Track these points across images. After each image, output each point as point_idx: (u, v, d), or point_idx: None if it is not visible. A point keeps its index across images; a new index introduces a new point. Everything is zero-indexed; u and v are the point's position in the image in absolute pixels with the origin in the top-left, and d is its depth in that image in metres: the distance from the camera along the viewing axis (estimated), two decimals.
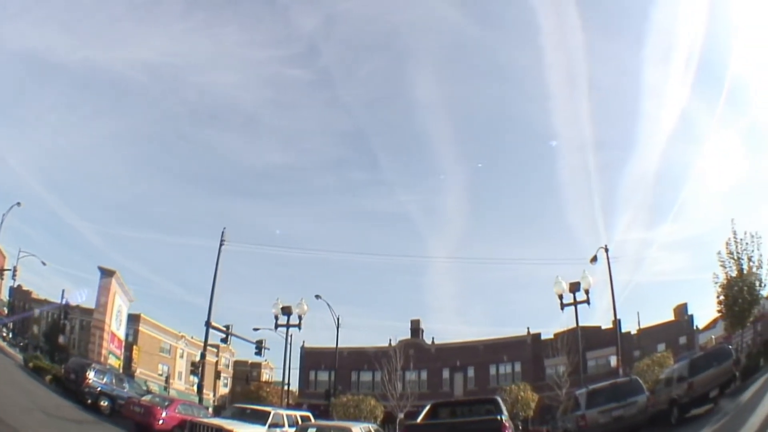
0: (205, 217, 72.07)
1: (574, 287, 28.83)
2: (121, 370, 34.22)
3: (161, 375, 42.00)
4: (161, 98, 66.62)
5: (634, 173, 71.44)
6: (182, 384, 42.88)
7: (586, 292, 29.04)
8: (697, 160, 63.12)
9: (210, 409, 30.95)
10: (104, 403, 23.94)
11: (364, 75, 70.74)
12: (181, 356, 45.33)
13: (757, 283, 28.88)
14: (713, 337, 40.16)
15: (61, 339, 34.79)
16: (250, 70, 69.03)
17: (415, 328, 52.44)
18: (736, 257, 29.72)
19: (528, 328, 50.15)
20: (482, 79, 73.54)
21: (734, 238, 29.97)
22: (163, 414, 22.29)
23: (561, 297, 29.18)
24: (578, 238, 74.03)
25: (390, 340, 49.57)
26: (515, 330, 51.92)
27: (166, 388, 38.62)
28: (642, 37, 74.65)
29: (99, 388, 24.21)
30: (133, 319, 42.26)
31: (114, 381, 25.52)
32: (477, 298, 73.98)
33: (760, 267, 29.04)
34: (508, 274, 79.01)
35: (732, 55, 54.76)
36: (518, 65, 70.92)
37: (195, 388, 38.53)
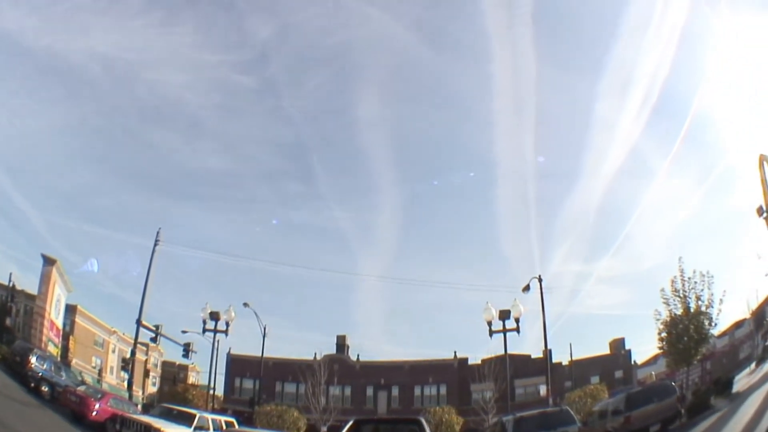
0: (143, 215, 72.49)
1: (504, 315, 29.25)
2: (58, 359, 35.07)
3: (95, 368, 42.92)
4: (113, 92, 67.24)
5: (576, 205, 73.78)
6: (114, 378, 43.81)
7: (516, 320, 29.37)
8: (645, 197, 65.10)
9: (139, 406, 32.15)
10: (45, 389, 25.22)
11: (310, 88, 72.74)
12: (113, 351, 46.25)
13: (707, 322, 29.55)
14: (653, 373, 41.81)
15: (8, 321, 35.35)
16: (200, 72, 70.19)
17: (341, 344, 53.64)
18: (682, 295, 30.10)
19: (455, 352, 51.64)
20: (428, 102, 75.99)
21: (681, 276, 30.57)
22: (97, 406, 23.70)
23: (490, 324, 29.54)
24: (512, 266, 76.60)
25: (315, 354, 50.65)
26: (442, 353, 54.26)
27: (99, 381, 39.66)
28: (599, 70, 77.22)
29: (40, 374, 25.51)
30: (71, 310, 43.04)
31: (53, 368, 26.78)
32: (405, 318, 75.95)
33: (710, 306, 29.66)
34: (438, 297, 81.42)
35: (696, 96, 58.61)
36: (466, 90, 73.27)
37: (125, 384, 39.68)
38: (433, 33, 72.45)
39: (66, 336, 41.27)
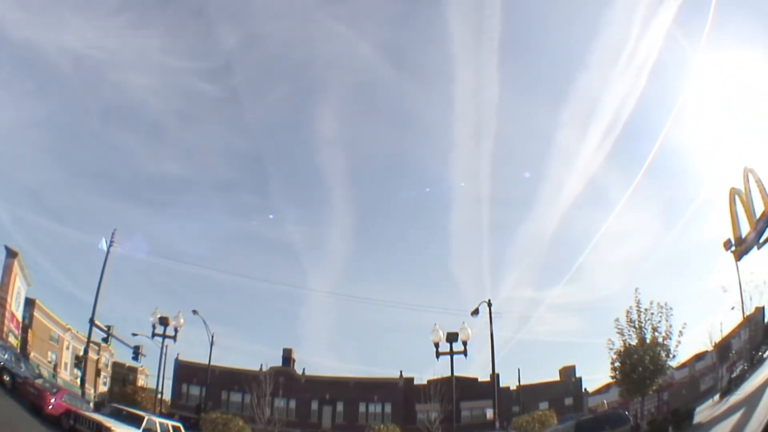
0: (100, 216, 73.12)
1: (452, 337, 29.50)
2: (18, 351, 36.04)
3: (50, 362, 43.74)
4: (80, 90, 67.69)
5: (530, 233, 74.42)
6: (68, 375, 44.58)
7: (464, 343, 29.56)
8: (602, 227, 65.80)
9: (91, 404, 33.38)
10: (6, 378, 26.05)
11: (272, 100, 74.07)
12: (68, 348, 46.92)
13: (664, 354, 30.23)
14: (605, 401, 41.95)
15: None
16: (165, 77, 71.07)
17: (287, 357, 54.28)
18: (637, 326, 30.84)
19: (401, 372, 52.56)
20: (387, 121, 77.39)
21: (637, 307, 31.31)
22: (53, 400, 25.08)
23: (437, 345, 29.71)
24: (462, 290, 77.56)
25: (261, 365, 51.28)
26: (388, 372, 54.39)
27: (54, 376, 40.54)
28: (562, 99, 77.68)
29: (2, 363, 26.50)
30: (30, 304, 43.93)
31: (14, 359, 27.94)
32: (352, 335, 76.95)
33: (668, 338, 30.43)
34: (386, 316, 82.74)
35: (663, 129, 55.79)
36: (426, 112, 74.51)
37: (78, 381, 40.78)
38: (399, 53, 73.45)
39: (25, 329, 42.07)
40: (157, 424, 26.32)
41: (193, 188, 76.97)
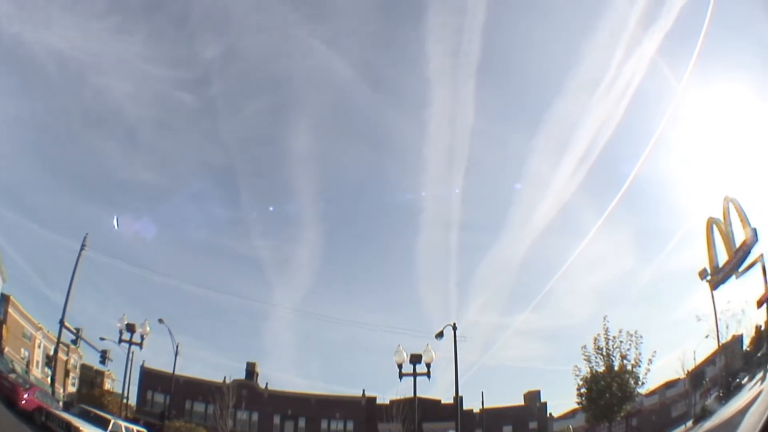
0: (75, 219, 73.73)
1: (416, 359, 29.58)
2: None
3: (23, 359, 44.39)
4: (62, 91, 68.25)
5: (498, 258, 74.38)
6: (39, 372, 45.24)
7: (428, 365, 29.61)
8: (572, 255, 65.88)
9: (60, 403, 34.27)
10: None
11: (248, 114, 75.05)
12: (39, 346, 47.64)
13: (632, 381, 30.87)
14: (570, 426, 42.45)
15: None
16: (144, 84, 71.52)
17: (251, 371, 54.70)
18: (605, 353, 31.54)
19: (363, 390, 52.82)
20: (360, 141, 77.90)
21: (605, 334, 31.92)
22: (26, 395, 25.83)
23: (400, 366, 29.82)
24: (428, 312, 77.80)
25: (225, 378, 51.66)
26: (351, 390, 54.45)
27: (27, 372, 41.25)
28: (538, 125, 78.16)
29: None
30: (5, 300, 44.54)
31: None
32: (316, 352, 77.30)
33: (637, 365, 31.06)
34: (351, 335, 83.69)
35: (640, 158, 57.46)
36: (400, 133, 75.04)
37: (48, 379, 41.51)
38: (375, 73, 73.93)
39: (0, 324, 42.83)
40: (123, 428, 27.37)
41: (165, 197, 77.46)
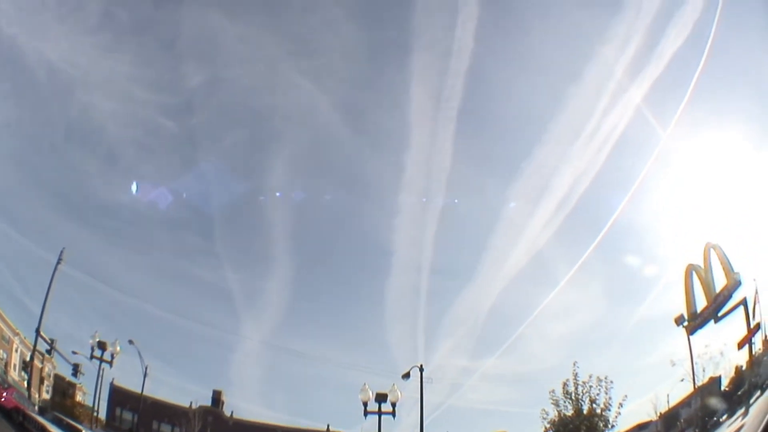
0: (52, 232, 74.29)
1: (381, 398, 30.78)
2: None
3: (1, 360, 45.20)
4: (50, 102, 68.93)
5: (468, 303, 73.51)
6: (17, 375, 45.96)
7: (393, 404, 30.71)
8: (543, 302, 65.35)
9: (36, 407, 35.38)
10: None
11: (225, 146, 76.17)
12: (16, 350, 48.52)
13: (601, 424, 31.23)
14: None
15: None
16: (128, 105, 71.89)
17: (217, 399, 54.31)
18: (574, 398, 31.74)
19: (328, 425, 50.41)
20: (335, 181, 77.64)
21: (574, 379, 32.35)
22: (5, 394, 27.55)
23: (366, 404, 30.89)
24: (395, 352, 77.57)
25: (191, 403, 51.88)
26: (315, 424, 52.31)
27: (5, 373, 41.97)
28: (515, 172, 77.86)
29: None
30: None
31: None
32: (281, 385, 76.83)
33: (607, 409, 31.52)
34: (317, 370, 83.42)
35: (618, 207, 57.58)
36: (375, 175, 74.60)
37: (25, 383, 42.29)
38: (356, 113, 73.15)
39: None
40: None
41: (139, 221, 77.92)
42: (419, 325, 76.60)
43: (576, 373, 32.48)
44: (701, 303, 36.56)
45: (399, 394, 31.37)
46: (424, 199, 72.56)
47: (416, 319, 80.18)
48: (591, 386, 32.06)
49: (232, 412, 55.55)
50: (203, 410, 50.89)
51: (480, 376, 70.70)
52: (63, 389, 57.80)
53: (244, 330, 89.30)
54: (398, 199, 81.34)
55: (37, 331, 38.61)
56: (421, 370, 35.02)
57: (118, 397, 51.19)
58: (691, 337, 36.52)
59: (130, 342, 41.58)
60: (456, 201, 75.23)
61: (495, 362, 67.89)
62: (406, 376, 34.56)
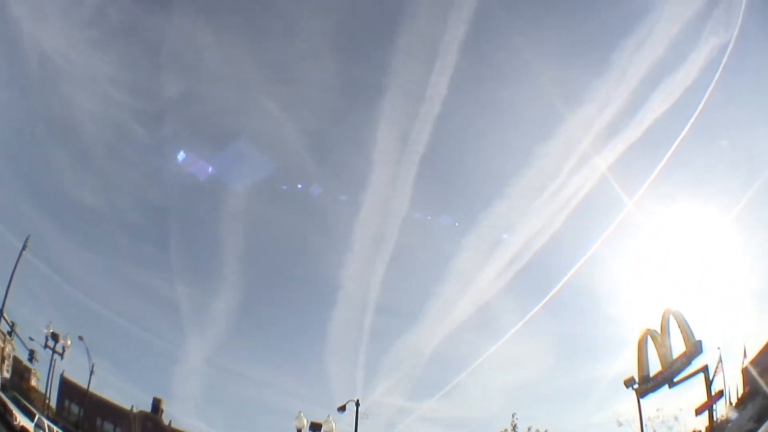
0: (19, 221, 75.41)
1: (316, 427, 31.13)
2: None
3: None
4: (38, 95, 69.65)
5: (410, 345, 71.36)
6: None
7: None
8: (486, 351, 66.68)
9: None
10: None
11: (191, 160, 77.60)
12: None
13: None
14: None
15: None
16: (107, 107, 73.26)
17: (156, 406, 56.39)
18: None
19: None
20: (293, 215, 78.41)
21: (513, 429, 33.50)
22: None
23: None
24: (334, 385, 78.29)
25: (132, 406, 54.36)
26: None
27: None
28: (471, 223, 74.40)
29: None
30: None
31: None
32: (220, 402, 78.39)
33: None
34: (256, 393, 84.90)
35: (572, 267, 54.03)
36: (333, 209, 76.14)
37: None
38: (322, 147, 74.13)
39: None
40: (46, 425, 31.34)
41: (104, 224, 78.97)
42: (360, 360, 73.29)
43: (515, 425, 33.48)
44: (655, 368, 36.85)
45: (333, 425, 31.53)
46: (377, 240, 69.23)
47: (358, 354, 76.74)
48: None
49: (170, 421, 57.80)
50: (143, 415, 53.28)
51: (417, 417, 67.20)
52: (20, 372, 59.90)
53: (189, 344, 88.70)
54: (352, 235, 74.13)
55: (0, 312, 40.55)
56: (357, 404, 34.02)
57: (68, 388, 52.73)
58: (641, 399, 36.87)
59: (80, 338, 43.23)
60: (408, 244, 72.15)
61: (433, 405, 66.62)
62: (342, 408, 33.82)
